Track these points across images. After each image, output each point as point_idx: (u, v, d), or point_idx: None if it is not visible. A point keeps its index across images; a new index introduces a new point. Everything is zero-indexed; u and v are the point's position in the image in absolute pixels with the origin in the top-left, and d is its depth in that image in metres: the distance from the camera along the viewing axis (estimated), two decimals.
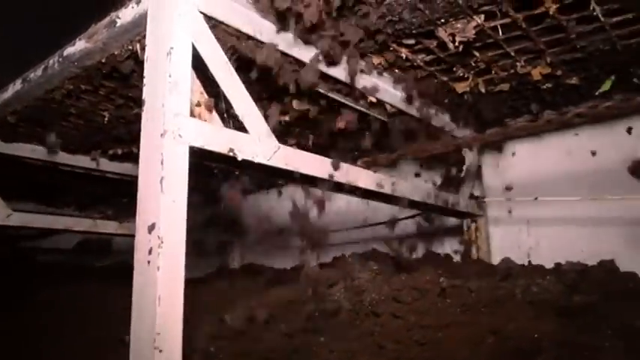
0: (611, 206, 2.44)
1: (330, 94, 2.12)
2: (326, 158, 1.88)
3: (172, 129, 1.35)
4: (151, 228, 1.31)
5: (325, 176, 1.86)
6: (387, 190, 2.10)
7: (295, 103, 2.27)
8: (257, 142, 1.59)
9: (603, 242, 2.44)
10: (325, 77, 1.97)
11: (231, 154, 1.50)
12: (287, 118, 2.41)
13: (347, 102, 2.22)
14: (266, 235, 3.63)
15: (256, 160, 1.57)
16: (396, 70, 2.14)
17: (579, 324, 1.42)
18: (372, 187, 2.04)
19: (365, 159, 2.79)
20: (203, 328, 1.58)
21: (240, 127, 1.61)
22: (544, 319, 1.45)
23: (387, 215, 2.85)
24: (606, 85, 2.20)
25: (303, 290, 1.67)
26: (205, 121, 1.58)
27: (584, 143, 2.65)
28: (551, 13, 1.65)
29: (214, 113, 1.64)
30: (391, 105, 2.27)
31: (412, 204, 2.33)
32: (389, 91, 2.20)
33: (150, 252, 1.30)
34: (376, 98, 2.19)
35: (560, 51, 1.94)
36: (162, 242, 1.29)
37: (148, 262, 1.29)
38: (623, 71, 2.12)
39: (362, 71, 2.04)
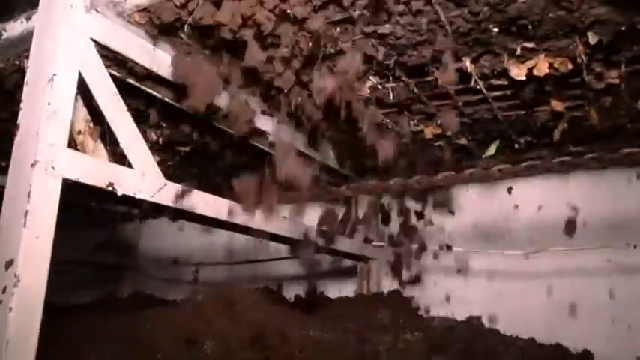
0: (496, 260, 2.61)
1: (230, 131, 2.11)
2: (219, 198, 1.85)
3: (45, 159, 1.27)
4: (9, 264, 1.21)
5: (222, 217, 1.84)
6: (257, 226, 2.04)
7: (195, 135, 2.24)
8: (141, 178, 1.53)
9: (484, 293, 2.60)
10: None
11: (110, 188, 1.43)
12: (187, 149, 2.36)
13: (251, 140, 2.22)
14: (159, 264, 3.50)
15: (138, 196, 1.52)
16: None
17: None
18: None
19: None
20: None
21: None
22: None
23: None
24: (491, 150, 2.37)
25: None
26: (88, 151, 1.51)
27: (473, 199, 2.84)
28: (440, 82, 1.75)
29: (99, 143, 1.58)
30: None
31: (283, 240, 2.32)
32: (290, 134, 2.22)
33: (4, 291, 1.20)
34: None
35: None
36: (18, 281, 1.20)
37: (1, 301, 1.20)
38: (506, 138, 2.29)
39: (263, 113, 2.06)
